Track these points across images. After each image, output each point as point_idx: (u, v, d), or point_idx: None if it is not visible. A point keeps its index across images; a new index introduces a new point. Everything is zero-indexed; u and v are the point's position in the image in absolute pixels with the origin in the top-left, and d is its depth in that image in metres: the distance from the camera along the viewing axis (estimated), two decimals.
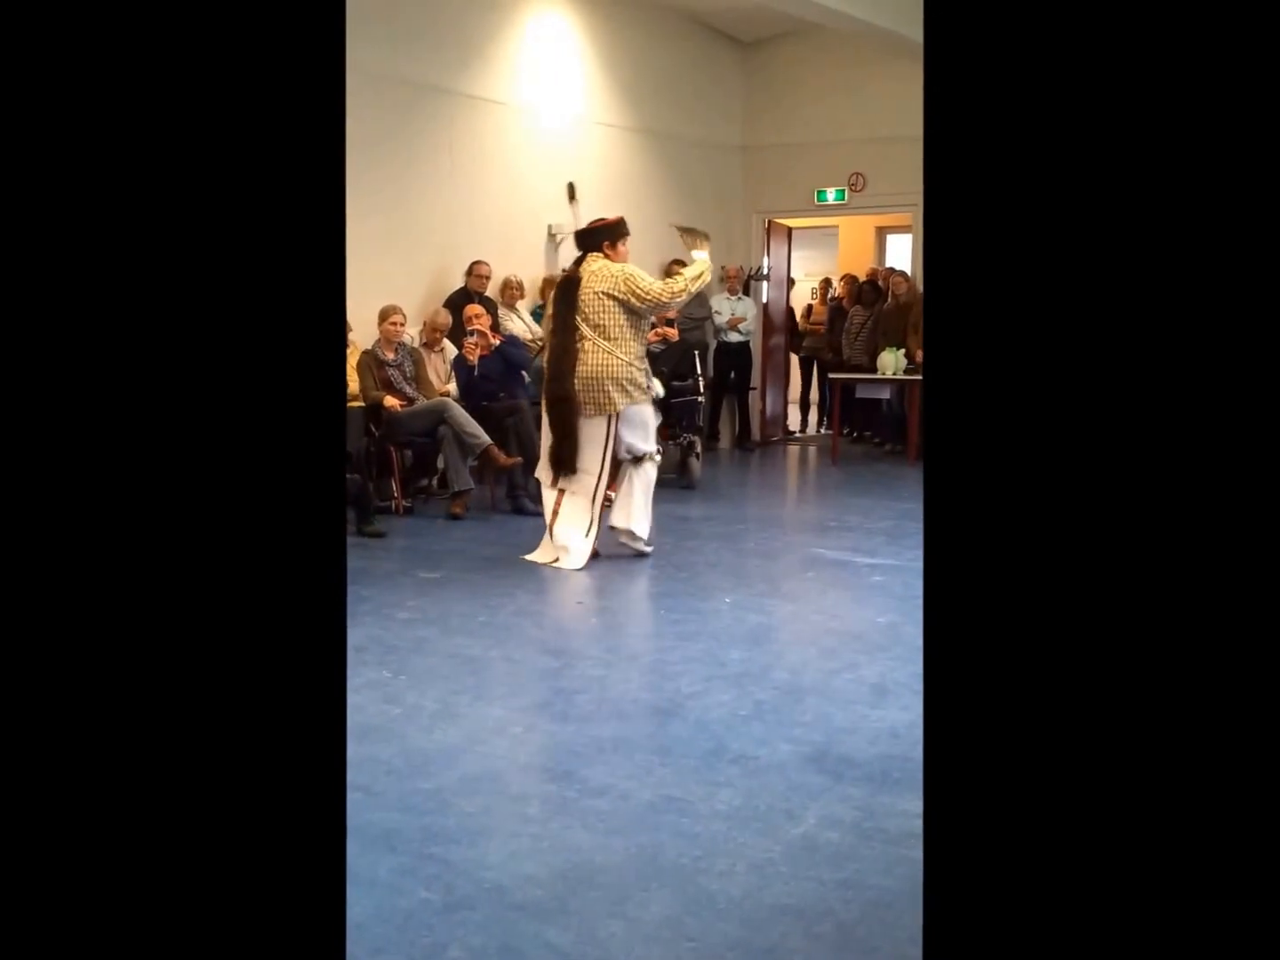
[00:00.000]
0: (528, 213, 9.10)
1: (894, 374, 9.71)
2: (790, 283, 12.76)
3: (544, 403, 5.70)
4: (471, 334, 7.26)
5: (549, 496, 5.70)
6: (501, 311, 8.37)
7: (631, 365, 5.54)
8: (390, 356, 7.16)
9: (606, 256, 5.65)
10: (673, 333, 8.76)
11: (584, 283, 5.55)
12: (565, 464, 5.55)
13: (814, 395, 12.82)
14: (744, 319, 10.60)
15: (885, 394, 10.27)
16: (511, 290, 8.54)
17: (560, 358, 5.51)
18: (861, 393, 10.32)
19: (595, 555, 5.74)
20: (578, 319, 5.52)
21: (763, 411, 11.50)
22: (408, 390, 7.15)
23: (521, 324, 8.47)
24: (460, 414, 6.96)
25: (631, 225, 9.97)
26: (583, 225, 6.08)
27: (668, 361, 8.49)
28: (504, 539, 6.38)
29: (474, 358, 7.25)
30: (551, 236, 9.31)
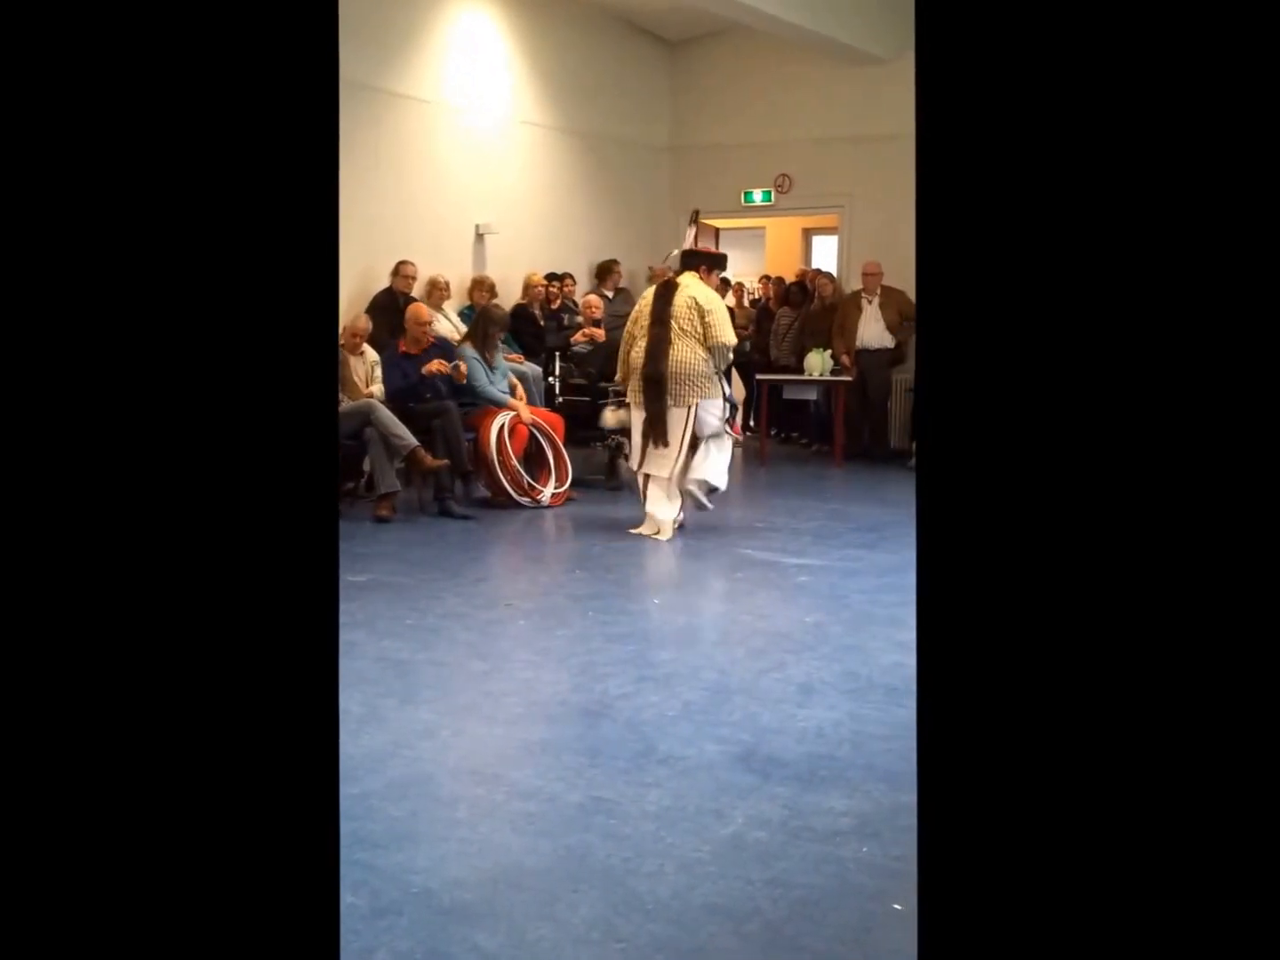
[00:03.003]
0: (455, 212, 9.05)
1: (820, 375, 9.79)
2: (725, 284, 12.80)
3: (639, 384, 6.44)
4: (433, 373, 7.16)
5: (641, 479, 6.60)
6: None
7: (708, 365, 6.41)
8: None
9: (700, 278, 6.57)
10: (599, 333, 8.76)
11: (680, 290, 6.45)
12: (658, 435, 6.40)
13: (740, 395, 12.87)
14: None
15: (812, 395, 10.35)
16: (439, 290, 8.48)
17: (657, 346, 6.39)
18: (789, 394, 10.38)
19: (680, 527, 6.57)
20: (672, 320, 6.38)
21: None
22: None
23: (448, 324, 8.41)
24: (386, 415, 6.90)
25: (559, 225, 10.05)
26: (689, 245, 7.03)
27: (595, 362, 8.48)
28: (431, 541, 6.34)
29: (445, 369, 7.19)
30: (479, 236, 9.27)
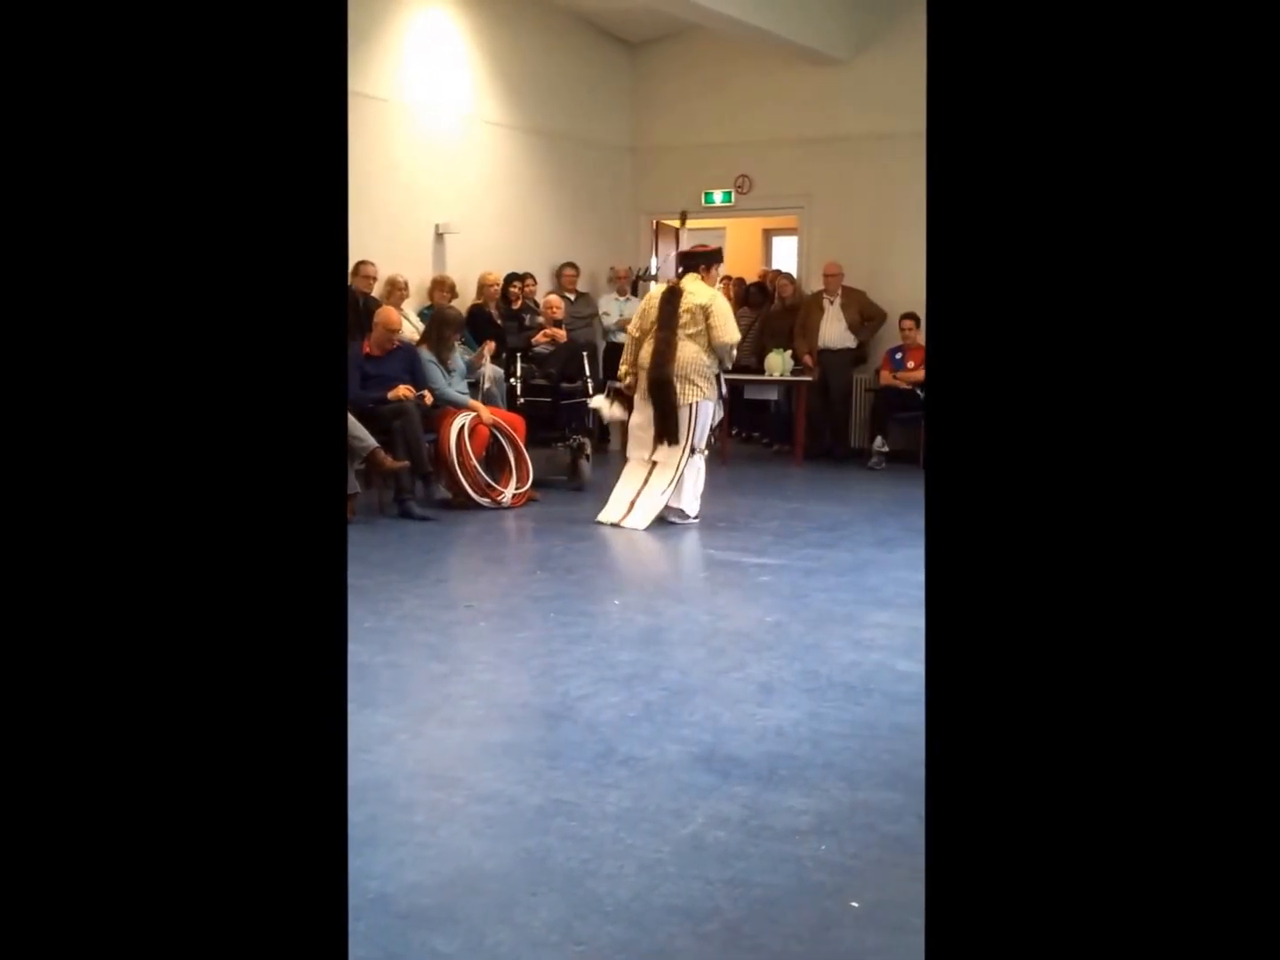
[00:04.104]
0: (414, 212, 9.00)
1: (781, 375, 9.82)
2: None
3: (645, 386, 6.75)
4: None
5: (640, 470, 6.83)
6: None
7: (710, 365, 6.72)
8: None
9: (701, 278, 6.83)
10: (560, 333, 8.74)
11: (685, 296, 6.73)
12: (670, 434, 6.69)
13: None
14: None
15: (773, 395, 10.38)
16: (398, 291, 8.43)
17: (664, 350, 6.69)
18: (749, 394, 10.40)
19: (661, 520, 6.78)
20: (678, 323, 6.67)
21: None
22: None
23: (408, 325, 8.36)
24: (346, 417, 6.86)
25: (519, 225, 10.02)
26: (685, 247, 7.55)
27: (556, 363, 8.46)
28: (391, 543, 6.30)
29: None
30: (439, 236, 9.23)
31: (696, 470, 6.91)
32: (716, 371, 6.80)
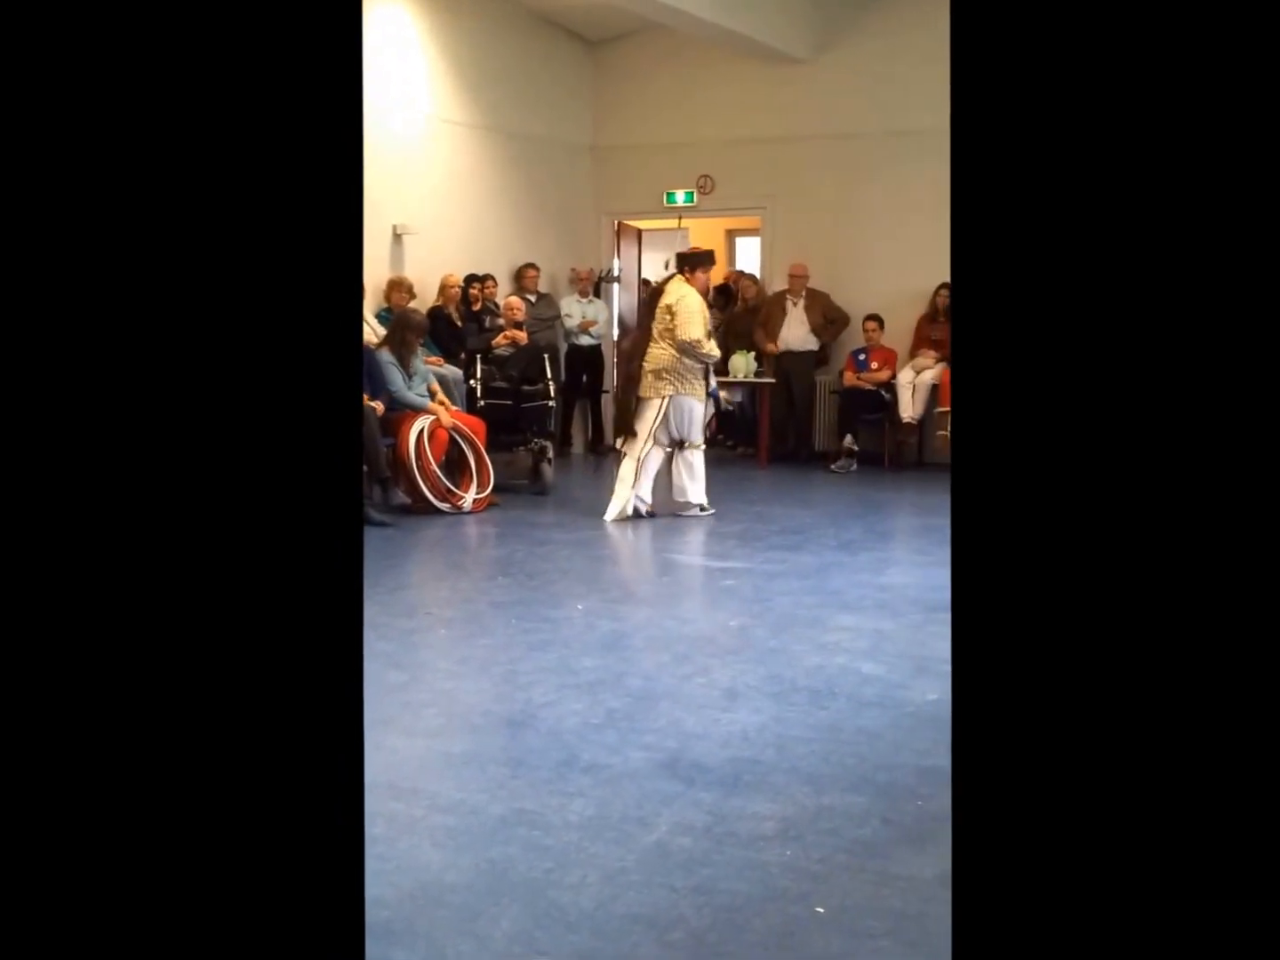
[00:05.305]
0: (371, 212, 8.92)
1: (745, 377, 9.82)
2: (646, 285, 12.79)
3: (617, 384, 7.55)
4: None
5: (624, 464, 7.24)
6: None
7: (681, 362, 7.00)
8: None
9: (686, 280, 7.13)
10: (521, 335, 8.69)
11: (662, 296, 7.12)
12: (625, 428, 7.11)
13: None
14: (595, 322, 10.59)
15: (737, 397, 10.38)
16: None
17: (633, 349, 7.28)
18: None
19: (650, 515, 7.12)
20: (652, 323, 7.09)
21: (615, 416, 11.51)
22: None
23: (366, 327, 8.29)
24: None
25: (479, 225, 9.96)
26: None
27: (517, 365, 8.41)
28: None
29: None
30: (397, 237, 9.15)
31: (689, 464, 7.20)
32: (699, 368, 7.08)
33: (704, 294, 7.40)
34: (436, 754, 3.35)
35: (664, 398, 7.02)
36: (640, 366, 7.06)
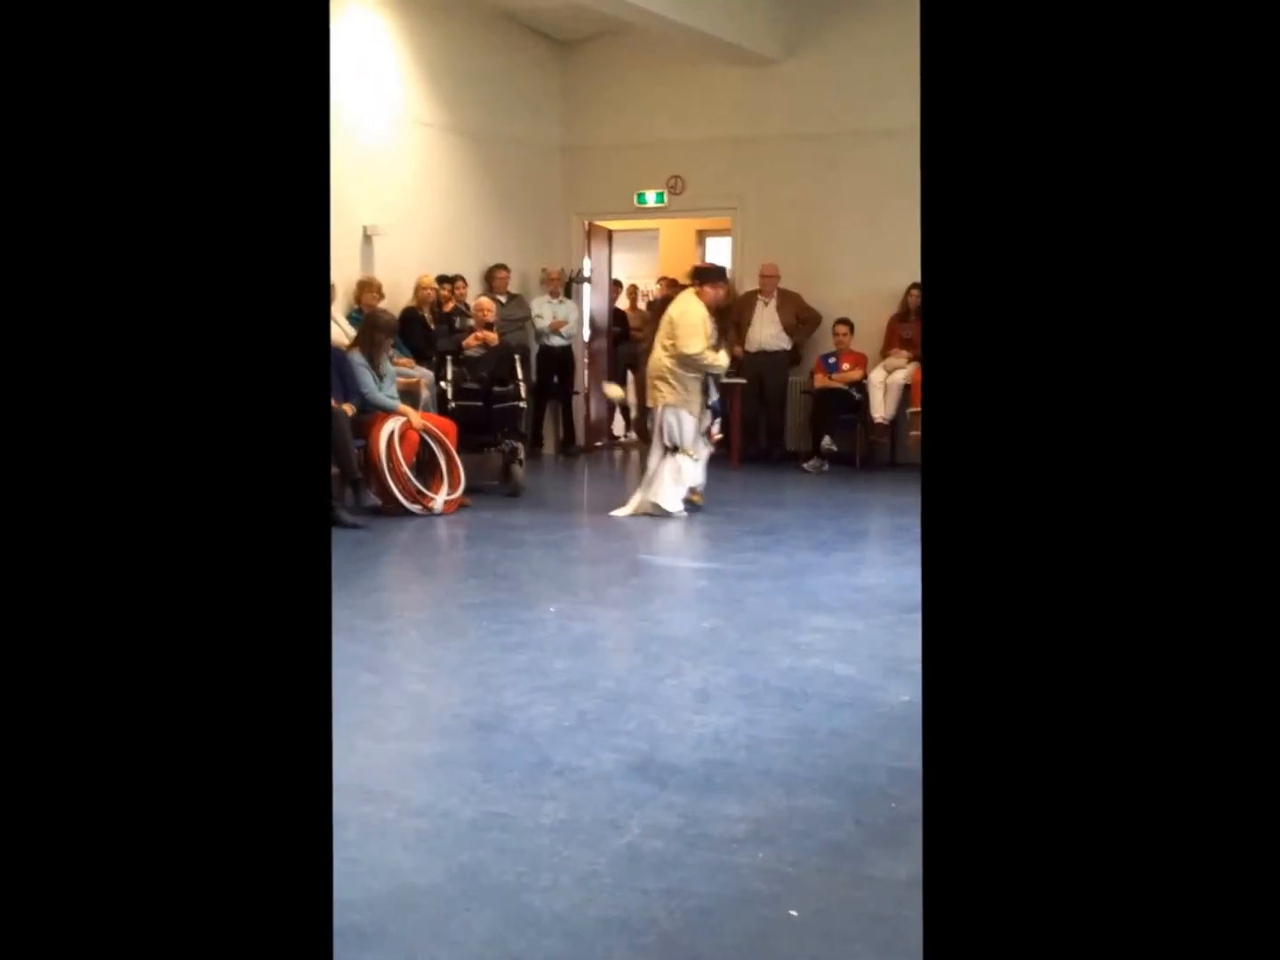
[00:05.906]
0: (341, 213, 8.86)
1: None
2: (617, 285, 12.78)
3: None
4: None
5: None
6: None
7: (676, 370, 7.19)
8: None
9: (696, 293, 7.39)
10: (492, 336, 8.66)
11: (670, 306, 7.48)
12: (644, 433, 7.66)
13: (635, 399, 12.86)
14: (566, 322, 10.57)
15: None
16: None
17: (643, 356, 7.81)
18: None
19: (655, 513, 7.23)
20: (657, 331, 7.41)
21: (587, 417, 11.49)
22: None
23: (336, 329, 8.25)
24: None
25: (449, 225, 9.93)
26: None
27: (487, 366, 8.39)
28: None
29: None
30: (367, 238, 9.11)
31: (675, 469, 7.30)
32: (697, 379, 7.24)
33: (713, 309, 7.51)
34: (408, 757, 3.34)
35: (663, 406, 7.25)
36: (644, 374, 7.44)
